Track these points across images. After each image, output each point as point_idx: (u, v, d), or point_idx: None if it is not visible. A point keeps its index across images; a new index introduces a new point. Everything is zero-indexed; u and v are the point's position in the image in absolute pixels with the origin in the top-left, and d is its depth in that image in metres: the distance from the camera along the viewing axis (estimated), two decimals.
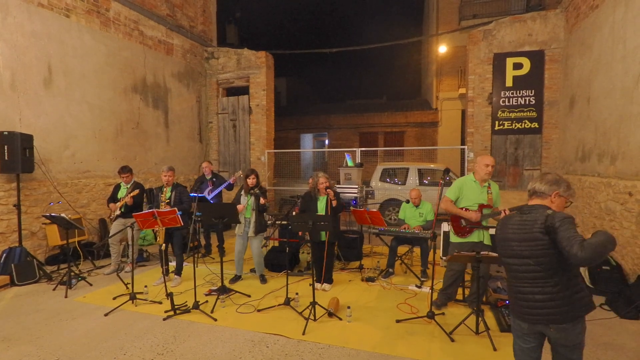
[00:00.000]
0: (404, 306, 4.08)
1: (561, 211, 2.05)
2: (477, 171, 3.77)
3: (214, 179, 6.27)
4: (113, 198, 5.35)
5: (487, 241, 3.79)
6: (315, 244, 4.55)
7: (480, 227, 3.71)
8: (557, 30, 7.53)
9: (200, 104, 9.76)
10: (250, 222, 4.74)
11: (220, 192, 6.10)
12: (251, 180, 4.75)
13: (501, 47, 7.91)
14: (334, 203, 4.47)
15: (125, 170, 5.34)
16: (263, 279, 4.91)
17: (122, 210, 5.20)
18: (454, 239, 3.89)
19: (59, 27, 5.96)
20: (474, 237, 3.74)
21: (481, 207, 3.68)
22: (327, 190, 4.49)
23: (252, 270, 5.13)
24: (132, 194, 5.12)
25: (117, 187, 5.42)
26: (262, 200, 4.70)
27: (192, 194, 5.45)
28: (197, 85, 9.58)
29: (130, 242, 5.35)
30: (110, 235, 5.25)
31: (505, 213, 3.46)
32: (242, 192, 4.83)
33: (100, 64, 6.69)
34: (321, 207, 4.59)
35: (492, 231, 4.65)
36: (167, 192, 4.90)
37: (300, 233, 5.15)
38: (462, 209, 3.75)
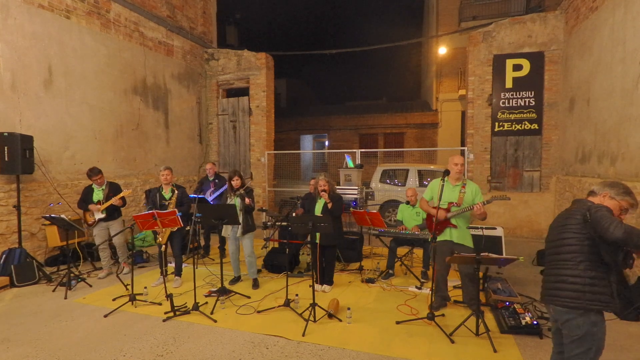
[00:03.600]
0: (404, 307, 4.08)
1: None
2: (450, 170, 3.86)
3: (216, 180, 6.27)
4: (86, 202, 5.05)
5: (459, 240, 3.80)
6: (315, 245, 4.53)
7: (449, 225, 3.82)
8: (556, 32, 7.54)
9: (201, 105, 9.77)
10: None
11: (222, 193, 6.10)
12: (235, 182, 4.66)
13: (501, 49, 7.92)
14: (330, 205, 4.46)
15: (95, 172, 5.02)
16: (255, 284, 4.75)
17: (105, 213, 5.04)
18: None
19: (60, 28, 5.97)
20: (446, 235, 3.85)
21: (450, 205, 3.76)
22: (322, 193, 4.48)
23: None
24: (121, 195, 5.01)
25: (90, 190, 5.10)
26: (247, 201, 4.60)
27: (192, 195, 5.45)
28: (197, 86, 9.59)
29: (119, 244, 5.31)
30: (98, 243, 5.06)
31: (476, 208, 3.56)
32: (229, 194, 4.77)
33: (100, 65, 6.69)
34: (317, 209, 4.59)
35: (500, 232, 4.76)
36: (168, 193, 4.89)
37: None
38: (435, 207, 3.88)
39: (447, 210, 3.77)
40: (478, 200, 3.71)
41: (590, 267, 2.06)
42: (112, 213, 5.15)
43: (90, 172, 5.04)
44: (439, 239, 3.90)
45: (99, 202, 5.04)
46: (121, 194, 5.04)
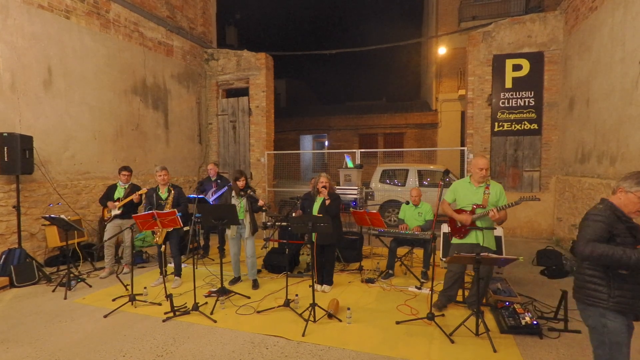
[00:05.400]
0: (403, 307, 4.08)
1: (608, 209, 2.13)
2: (472, 173, 3.80)
3: (218, 181, 6.27)
4: (108, 198, 5.29)
5: (485, 243, 3.68)
6: (312, 245, 4.52)
7: (474, 228, 3.71)
8: (556, 32, 7.55)
9: (200, 106, 9.76)
10: (244, 223, 4.69)
11: (223, 194, 6.10)
12: (241, 183, 4.70)
13: (500, 49, 7.93)
14: (327, 202, 4.43)
15: (126, 168, 5.42)
16: (255, 285, 4.76)
17: (121, 210, 5.16)
18: (453, 240, 3.91)
19: (59, 29, 5.96)
20: (472, 238, 3.73)
21: (475, 207, 3.68)
22: (321, 189, 4.46)
23: None
24: (140, 192, 5.08)
25: (113, 188, 5.38)
26: (260, 203, 4.70)
27: (192, 196, 5.46)
28: (196, 86, 9.58)
29: (127, 244, 5.35)
30: (106, 238, 5.14)
31: (493, 213, 3.51)
32: (233, 194, 4.77)
33: (100, 66, 6.69)
34: (315, 207, 4.56)
35: (500, 232, 4.74)
36: (164, 193, 4.90)
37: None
38: (458, 210, 3.78)
39: (472, 212, 3.67)
40: (502, 202, 3.63)
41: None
42: (129, 212, 5.20)
43: (123, 167, 5.43)
44: (462, 241, 3.77)
45: (117, 200, 5.21)
46: (139, 192, 5.13)
